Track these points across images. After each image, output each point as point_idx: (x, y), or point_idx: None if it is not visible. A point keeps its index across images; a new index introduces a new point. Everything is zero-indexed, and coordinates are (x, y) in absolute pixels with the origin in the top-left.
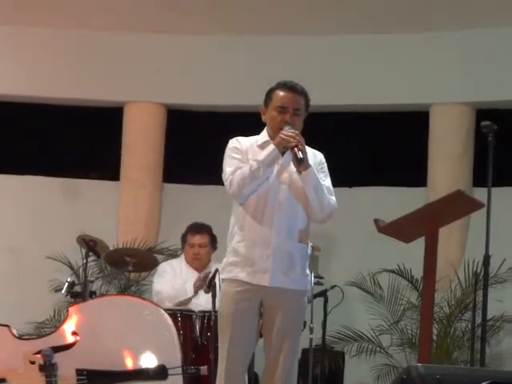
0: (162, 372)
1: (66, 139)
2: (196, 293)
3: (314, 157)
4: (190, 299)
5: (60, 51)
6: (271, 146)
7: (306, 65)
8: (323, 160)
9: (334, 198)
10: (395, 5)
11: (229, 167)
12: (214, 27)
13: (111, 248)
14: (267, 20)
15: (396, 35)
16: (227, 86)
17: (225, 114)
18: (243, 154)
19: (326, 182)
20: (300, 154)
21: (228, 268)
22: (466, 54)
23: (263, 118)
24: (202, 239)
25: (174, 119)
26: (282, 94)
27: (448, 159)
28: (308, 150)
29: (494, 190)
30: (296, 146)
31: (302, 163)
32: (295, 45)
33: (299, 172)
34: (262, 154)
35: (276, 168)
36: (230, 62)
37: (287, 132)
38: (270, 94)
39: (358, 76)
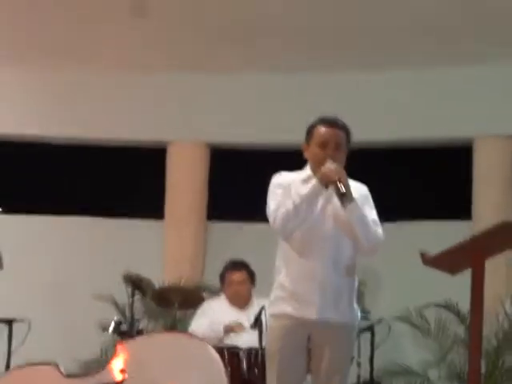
0: None
1: (110, 179)
2: (226, 334)
3: (358, 190)
4: (220, 340)
5: (106, 92)
6: (314, 181)
7: (347, 101)
8: (367, 192)
9: (380, 230)
10: (434, 38)
11: (273, 203)
12: (254, 64)
13: (157, 286)
14: (306, 56)
15: (437, 69)
16: (269, 124)
17: (267, 152)
18: (286, 189)
19: (372, 214)
20: (342, 188)
21: (275, 303)
22: (508, 86)
23: (305, 154)
24: (241, 276)
25: (218, 158)
26: (323, 129)
27: (493, 191)
28: (351, 183)
29: None
30: (338, 180)
31: (344, 197)
32: (335, 81)
33: (343, 206)
34: (305, 189)
35: (321, 202)
36: (271, 99)
37: (329, 166)
38: (311, 130)
39: (400, 111)
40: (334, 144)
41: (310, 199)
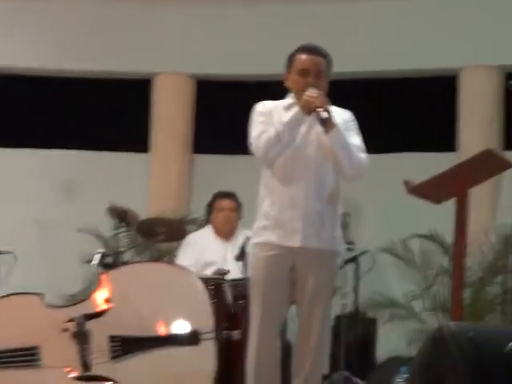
0: (194, 337)
1: (94, 112)
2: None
3: (342, 115)
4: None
5: (87, 23)
6: (296, 109)
7: (331, 32)
8: (351, 118)
9: (364, 156)
10: None
11: (255, 131)
12: None
13: (142, 218)
14: None
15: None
16: (255, 55)
17: (254, 83)
18: (269, 116)
19: (356, 139)
20: (324, 114)
21: (259, 232)
22: (495, 17)
23: (286, 83)
24: (231, 203)
25: (204, 90)
26: (303, 56)
27: (478, 123)
28: (335, 109)
29: None
30: (320, 106)
31: (326, 123)
32: (318, 13)
33: (326, 132)
34: (287, 117)
35: (303, 129)
36: (255, 30)
37: (310, 93)
38: (291, 59)
39: (385, 41)
40: (315, 71)
41: (291, 126)
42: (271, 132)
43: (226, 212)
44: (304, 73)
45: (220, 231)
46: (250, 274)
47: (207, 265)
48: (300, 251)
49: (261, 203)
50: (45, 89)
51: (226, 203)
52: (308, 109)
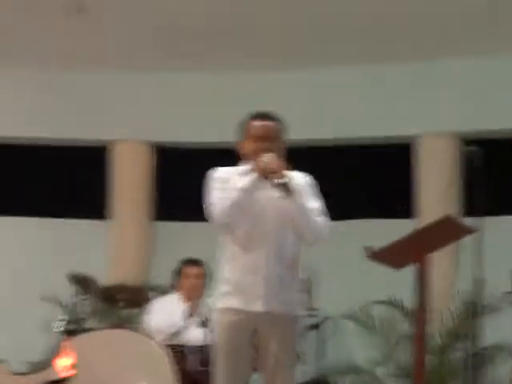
0: None
1: (53, 180)
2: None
3: (302, 179)
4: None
5: (46, 91)
6: (252, 174)
7: (289, 99)
8: (311, 181)
9: (324, 220)
10: (376, 36)
11: (211, 198)
12: (195, 64)
13: (102, 285)
14: (249, 56)
15: (380, 67)
16: (212, 123)
17: (212, 151)
18: (225, 183)
19: (316, 203)
20: (280, 180)
21: (221, 298)
22: (452, 84)
23: (241, 152)
24: (199, 270)
25: (163, 157)
26: (256, 122)
27: (436, 189)
28: (295, 173)
29: (483, 219)
30: (276, 171)
31: (284, 188)
32: (276, 79)
33: (285, 197)
34: (244, 182)
35: (262, 195)
36: (212, 98)
37: (266, 159)
38: (244, 126)
39: (342, 110)
40: (269, 136)
41: (248, 192)
42: (228, 199)
43: (192, 279)
44: (259, 138)
45: (187, 297)
46: (213, 340)
47: (172, 330)
48: (262, 316)
49: (221, 269)
50: (3, 156)
51: (194, 270)
52: (264, 174)
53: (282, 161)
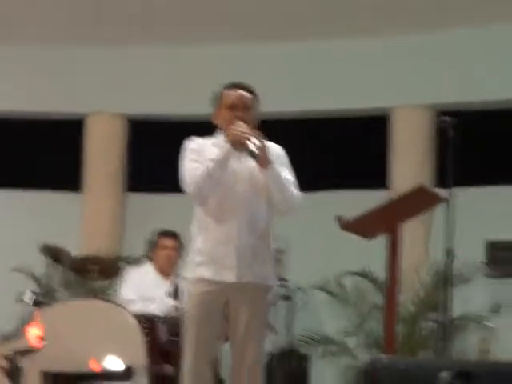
0: (127, 372)
1: (26, 152)
2: None
3: (274, 150)
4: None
5: (17, 65)
6: (225, 144)
7: (261, 72)
8: (283, 153)
9: (296, 191)
10: (352, 9)
11: (185, 169)
12: (168, 38)
13: (74, 257)
14: (219, 28)
15: (354, 40)
16: (185, 95)
17: (185, 123)
18: (199, 153)
19: (288, 174)
20: (253, 148)
21: (193, 267)
22: (425, 57)
23: (215, 121)
24: (174, 243)
25: (136, 129)
26: (230, 92)
27: (409, 161)
28: (268, 144)
29: (456, 190)
30: (248, 139)
31: (257, 155)
32: (248, 52)
33: (261, 168)
34: (217, 153)
35: (234, 166)
36: (186, 71)
37: (238, 128)
38: (218, 96)
39: (316, 81)
40: (242, 105)
41: (221, 162)
42: (202, 169)
43: (168, 250)
44: (232, 107)
45: (161, 269)
46: (184, 310)
47: (146, 300)
48: (234, 286)
49: (194, 240)
50: None
51: (169, 242)
52: (236, 142)
53: (255, 130)
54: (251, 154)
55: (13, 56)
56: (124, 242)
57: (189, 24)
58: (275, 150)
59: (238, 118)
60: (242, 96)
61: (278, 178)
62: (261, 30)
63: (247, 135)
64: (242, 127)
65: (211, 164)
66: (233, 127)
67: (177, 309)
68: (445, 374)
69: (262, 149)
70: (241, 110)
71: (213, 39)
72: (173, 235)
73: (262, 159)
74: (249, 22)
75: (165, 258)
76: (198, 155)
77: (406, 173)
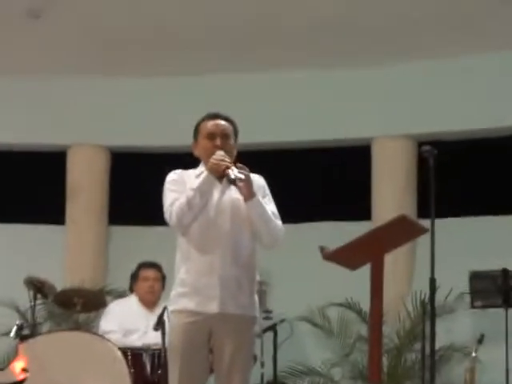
0: None
1: (8, 184)
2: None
3: (255, 181)
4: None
5: (3, 97)
6: (205, 173)
7: (241, 103)
8: (264, 183)
9: (279, 223)
10: (331, 41)
11: (167, 200)
12: (147, 70)
13: (59, 290)
14: (201, 60)
15: (334, 71)
16: (167, 127)
17: (169, 155)
18: (181, 185)
19: (271, 206)
20: (233, 175)
21: (176, 299)
22: (405, 87)
23: (195, 152)
24: (155, 273)
25: (118, 162)
26: (208, 122)
27: (391, 192)
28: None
29: (438, 221)
30: (227, 167)
31: (236, 184)
32: (228, 83)
33: (245, 201)
34: (197, 182)
35: (216, 196)
36: (167, 102)
37: (217, 156)
38: (197, 128)
39: (298, 113)
40: (220, 133)
41: (202, 191)
42: (183, 199)
43: (150, 282)
44: (211, 137)
45: (144, 300)
46: (167, 342)
47: (130, 332)
48: (217, 317)
49: (177, 271)
50: None
51: (150, 273)
52: (216, 171)
53: (238, 164)
54: (232, 181)
55: None
56: (108, 274)
57: (169, 56)
58: (257, 180)
59: (217, 148)
60: (220, 125)
61: (262, 210)
62: (242, 61)
63: (226, 163)
64: (221, 156)
65: (191, 193)
66: (212, 157)
67: (160, 341)
68: None
69: (246, 181)
70: (219, 138)
71: (195, 70)
72: (153, 266)
73: (246, 191)
74: (227, 51)
75: (146, 289)
76: (180, 186)
77: (389, 203)
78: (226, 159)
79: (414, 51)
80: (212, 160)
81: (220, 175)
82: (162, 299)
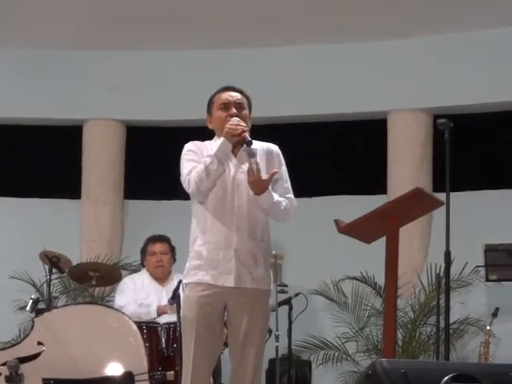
0: (128, 379)
1: (25, 159)
2: (159, 316)
3: (269, 149)
4: (149, 309)
5: (17, 71)
6: (222, 139)
7: (258, 77)
8: (279, 151)
9: (291, 198)
10: (349, 14)
11: (185, 168)
12: (166, 43)
13: (74, 264)
14: (218, 34)
15: (351, 44)
16: (184, 101)
17: (185, 129)
18: (198, 154)
19: (283, 178)
20: (248, 138)
21: (192, 271)
22: (422, 60)
23: (210, 126)
24: (163, 247)
25: (134, 135)
26: (222, 94)
27: (407, 165)
28: (262, 144)
29: (453, 194)
30: (243, 131)
31: (251, 146)
32: (246, 57)
33: (256, 194)
34: (214, 149)
35: (233, 170)
36: (184, 76)
37: (233, 121)
38: (211, 100)
39: (313, 86)
40: (234, 104)
41: (219, 156)
42: (201, 166)
43: (157, 256)
44: (225, 107)
45: (154, 275)
46: (182, 314)
47: (143, 306)
48: (233, 291)
49: (193, 244)
50: None
51: (157, 247)
52: (233, 135)
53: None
54: (248, 144)
55: (9, 59)
56: (123, 249)
57: (182, 30)
58: (271, 148)
59: (232, 116)
60: (232, 95)
61: (274, 202)
62: (258, 35)
63: (242, 127)
64: (237, 121)
65: (208, 159)
66: (227, 124)
67: (175, 314)
68: (445, 378)
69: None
70: (234, 107)
71: (214, 44)
72: (161, 239)
73: (257, 188)
74: (246, 26)
75: (155, 263)
76: (197, 156)
77: (404, 176)
78: (242, 123)
79: (430, 25)
80: (228, 125)
81: (236, 140)
82: (173, 271)
